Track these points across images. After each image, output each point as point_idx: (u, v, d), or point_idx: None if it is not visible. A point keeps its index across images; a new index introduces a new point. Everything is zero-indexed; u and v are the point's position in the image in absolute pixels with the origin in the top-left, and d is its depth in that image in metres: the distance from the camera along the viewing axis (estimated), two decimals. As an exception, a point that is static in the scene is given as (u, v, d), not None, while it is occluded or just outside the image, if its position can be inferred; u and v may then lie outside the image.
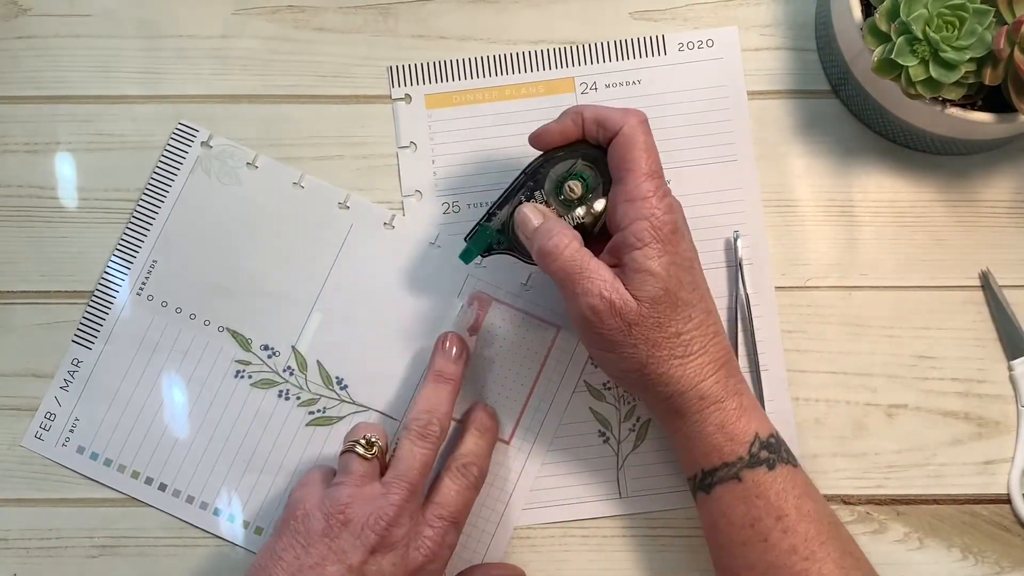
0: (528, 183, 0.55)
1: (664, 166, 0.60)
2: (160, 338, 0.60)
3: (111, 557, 0.59)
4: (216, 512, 0.59)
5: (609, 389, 0.60)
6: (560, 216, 0.54)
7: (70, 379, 0.60)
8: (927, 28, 0.53)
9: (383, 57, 0.63)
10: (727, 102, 0.62)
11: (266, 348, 0.60)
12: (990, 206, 0.61)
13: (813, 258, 0.61)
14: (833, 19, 0.59)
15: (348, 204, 0.61)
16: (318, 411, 0.60)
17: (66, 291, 0.61)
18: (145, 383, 0.60)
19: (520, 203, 0.54)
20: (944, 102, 0.55)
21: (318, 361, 0.60)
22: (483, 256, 0.55)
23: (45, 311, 0.61)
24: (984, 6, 0.52)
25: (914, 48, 0.53)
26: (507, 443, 0.59)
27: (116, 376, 0.60)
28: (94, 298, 0.60)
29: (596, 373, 0.60)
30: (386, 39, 0.63)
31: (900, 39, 0.53)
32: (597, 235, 0.54)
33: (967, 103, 0.55)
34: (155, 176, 0.61)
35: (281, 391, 0.60)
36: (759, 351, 0.59)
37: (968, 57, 0.52)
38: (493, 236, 0.55)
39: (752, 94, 0.62)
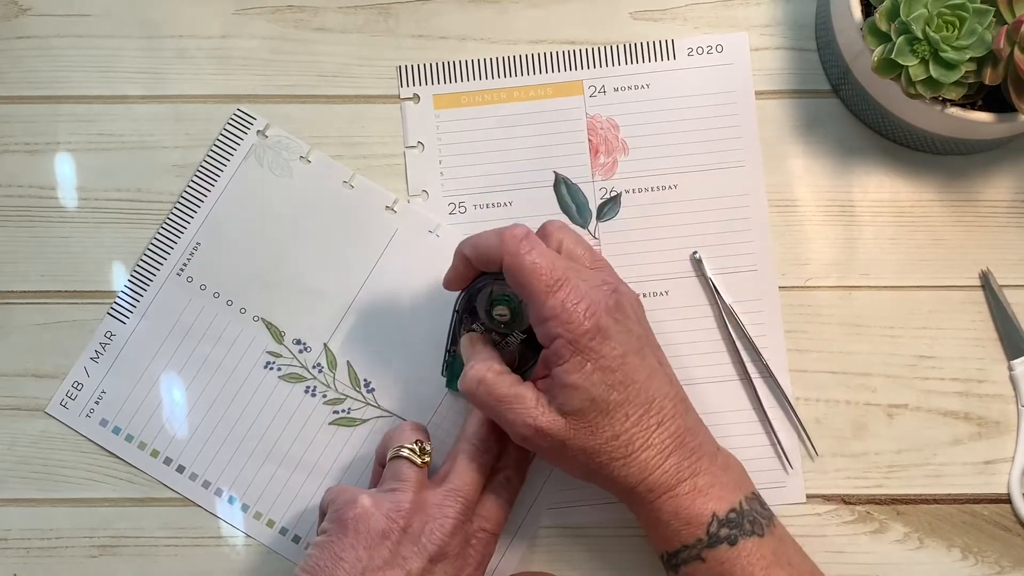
0: (465, 317, 0.55)
1: (671, 171, 0.61)
2: (195, 320, 0.60)
3: (111, 557, 0.59)
4: (231, 500, 0.59)
5: None
6: (500, 340, 0.55)
7: (101, 351, 0.60)
8: (927, 28, 0.53)
9: (383, 57, 0.63)
10: (736, 107, 0.62)
11: (298, 343, 0.60)
12: (990, 206, 0.61)
13: (813, 258, 0.61)
14: (833, 19, 0.59)
15: (396, 208, 0.61)
16: (343, 411, 0.60)
17: (66, 291, 0.61)
18: (175, 363, 0.60)
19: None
20: (944, 102, 0.55)
21: (348, 361, 0.60)
22: None
23: (45, 311, 0.61)
24: (984, 6, 0.52)
25: (914, 48, 0.53)
26: None
27: (147, 353, 0.60)
28: (135, 272, 0.60)
29: None
30: (386, 39, 0.63)
31: (900, 39, 0.53)
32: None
33: (967, 103, 0.55)
34: (208, 159, 0.61)
35: (309, 387, 0.60)
36: (764, 357, 0.59)
37: (968, 57, 0.52)
38: (461, 366, 0.54)
39: (754, 94, 0.62)
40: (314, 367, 0.60)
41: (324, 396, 0.60)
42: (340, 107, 0.62)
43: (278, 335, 0.60)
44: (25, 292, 0.61)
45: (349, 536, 0.50)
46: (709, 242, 0.60)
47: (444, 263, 0.55)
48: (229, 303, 0.60)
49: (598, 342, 0.50)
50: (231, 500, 0.59)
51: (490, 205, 0.61)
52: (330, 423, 0.59)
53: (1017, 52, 0.52)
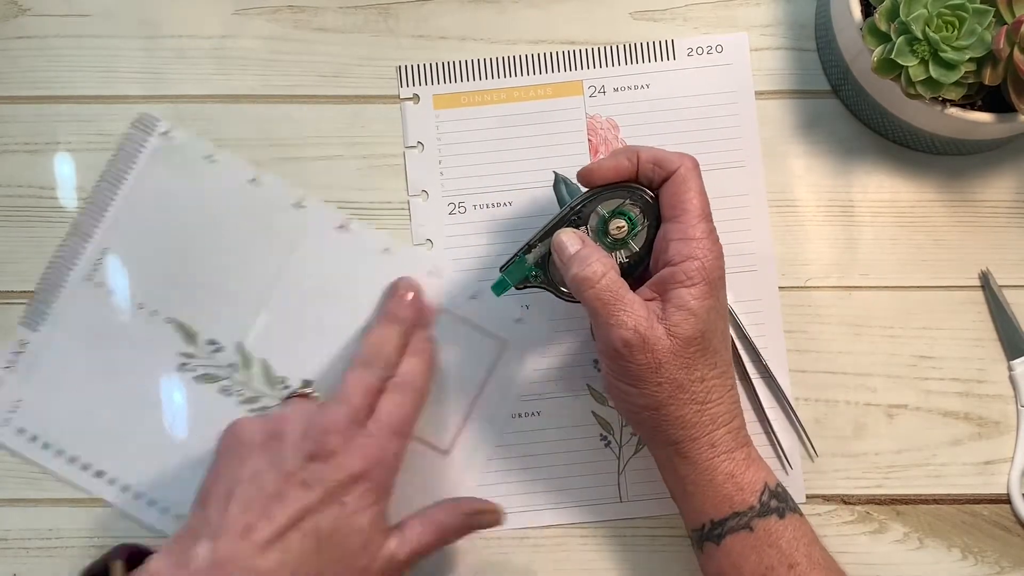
0: (572, 217, 0.54)
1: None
2: (107, 326, 0.60)
3: (111, 557, 0.59)
4: (151, 502, 0.59)
5: None
6: None
7: (14, 360, 0.60)
8: (927, 28, 0.53)
9: (383, 57, 0.63)
10: (735, 108, 0.62)
11: (212, 343, 0.60)
12: (990, 206, 0.61)
13: (813, 258, 0.61)
14: (833, 19, 0.59)
15: (304, 204, 0.61)
16: (259, 409, 0.60)
17: (66, 291, 0.61)
18: (90, 369, 0.60)
19: None
20: (944, 102, 0.55)
21: (263, 360, 0.60)
22: (517, 289, 0.55)
23: (45, 311, 0.61)
24: (984, 6, 0.52)
25: (914, 48, 0.53)
26: (446, 453, 0.59)
27: (61, 360, 0.60)
28: (44, 280, 0.60)
29: (599, 377, 0.60)
30: (386, 39, 0.63)
31: (900, 39, 0.53)
32: (635, 278, 0.53)
33: (967, 103, 0.55)
34: (113, 164, 0.61)
35: (224, 387, 0.60)
36: (764, 358, 0.60)
37: (968, 57, 0.52)
38: (529, 269, 0.54)
39: (754, 93, 0.62)
40: (228, 366, 0.60)
41: (240, 395, 0.60)
42: (340, 107, 0.62)
43: (191, 336, 0.60)
44: (25, 292, 0.61)
45: (224, 456, 0.51)
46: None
47: (355, 258, 0.58)
48: (140, 307, 0.60)
49: (720, 285, 0.52)
50: (151, 503, 0.59)
51: (490, 205, 0.61)
52: None
53: (1017, 52, 0.52)
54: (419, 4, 0.63)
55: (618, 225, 0.53)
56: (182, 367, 0.60)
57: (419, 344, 0.57)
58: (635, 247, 0.54)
